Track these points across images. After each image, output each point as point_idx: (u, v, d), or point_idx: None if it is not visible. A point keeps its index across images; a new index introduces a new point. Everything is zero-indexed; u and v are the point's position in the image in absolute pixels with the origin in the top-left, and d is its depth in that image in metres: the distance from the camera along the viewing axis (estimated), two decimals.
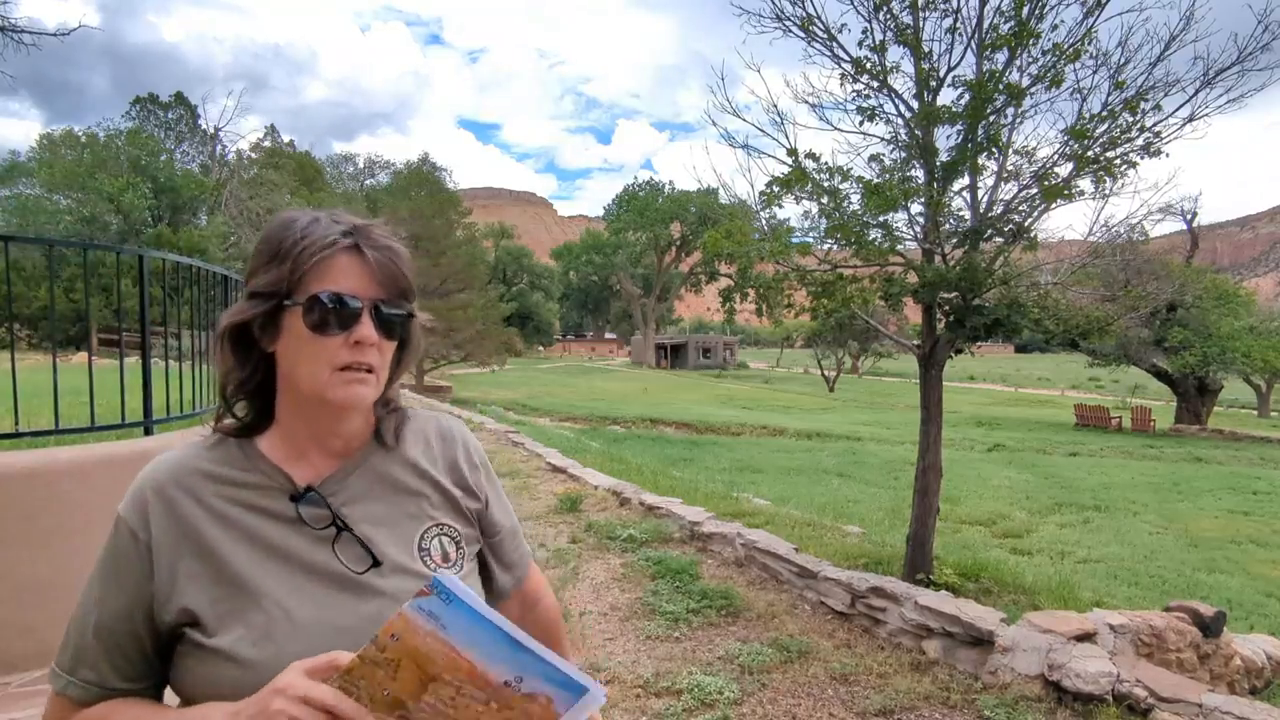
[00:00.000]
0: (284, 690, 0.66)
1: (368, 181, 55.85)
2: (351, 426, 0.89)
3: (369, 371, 0.83)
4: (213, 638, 0.77)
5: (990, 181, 4.44)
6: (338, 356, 0.81)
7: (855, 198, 4.52)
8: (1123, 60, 3.98)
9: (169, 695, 0.84)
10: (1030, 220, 4.36)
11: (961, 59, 4.26)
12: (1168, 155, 4.03)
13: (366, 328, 0.81)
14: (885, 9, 4.24)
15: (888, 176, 4.50)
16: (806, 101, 4.65)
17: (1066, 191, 4.13)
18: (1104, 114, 4.02)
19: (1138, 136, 4.01)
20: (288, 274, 0.80)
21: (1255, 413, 32.98)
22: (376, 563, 0.84)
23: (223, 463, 0.85)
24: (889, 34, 4.30)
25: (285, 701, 0.65)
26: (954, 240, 4.47)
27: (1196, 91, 3.90)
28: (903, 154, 4.53)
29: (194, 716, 0.76)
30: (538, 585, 1.12)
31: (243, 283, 0.86)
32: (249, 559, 0.80)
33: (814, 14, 4.35)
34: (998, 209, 4.38)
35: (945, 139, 4.40)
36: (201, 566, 0.79)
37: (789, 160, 4.54)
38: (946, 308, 4.57)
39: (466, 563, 0.93)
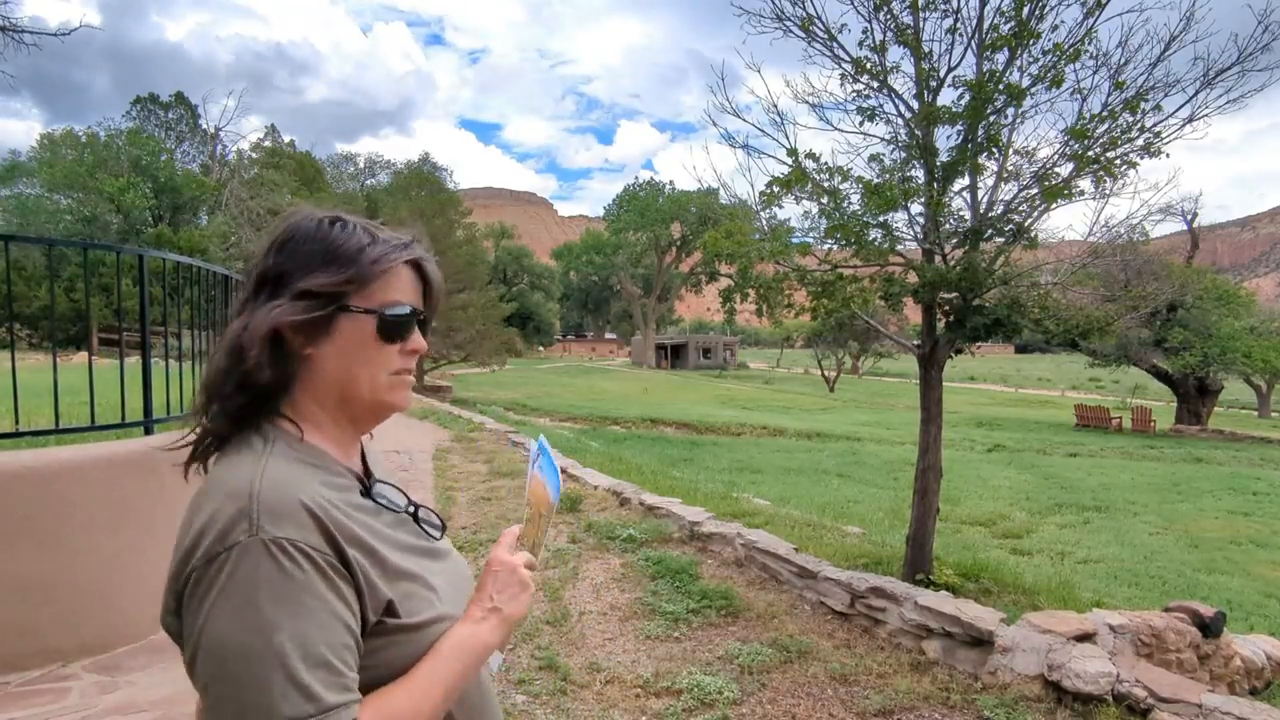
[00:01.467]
0: (514, 565, 0.91)
1: (368, 181, 55.81)
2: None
3: (410, 374, 0.92)
4: (415, 615, 0.83)
5: (990, 182, 4.44)
6: (393, 362, 0.88)
7: (855, 198, 4.52)
8: (1123, 60, 3.98)
9: None
10: (1030, 220, 4.35)
11: (962, 59, 4.26)
12: (1168, 155, 4.02)
13: (420, 339, 0.90)
14: (885, 9, 4.24)
15: (888, 176, 4.49)
16: (806, 102, 4.65)
17: (1067, 192, 4.13)
18: (1104, 114, 4.01)
19: (1138, 137, 4.01)
20: (353, 278, 0.84)
21: (1255, 413, 32.97)
22: (443, 525, 0.97)
23: (317, 466, 0.83)
24: (889, 34, 4.30)
25: (522, 572, 0.91)
26: (954, 240, 4.47)
27: (1197, 92, 3.90)
28: (903, 154, 4.52)
29: (455, 638, 0.85)
30: None
31: (277, 278, 0.84)
32: (384, 546, 0.84)
33: (814, 14, 4.35)
34: (998, 209, 4.38)
35: (945, 139, 4.40)
36: (370, 561, 0.81)
37: (789, 160, 4.54)
38: (947, 308, 4.57)
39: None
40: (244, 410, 0.83)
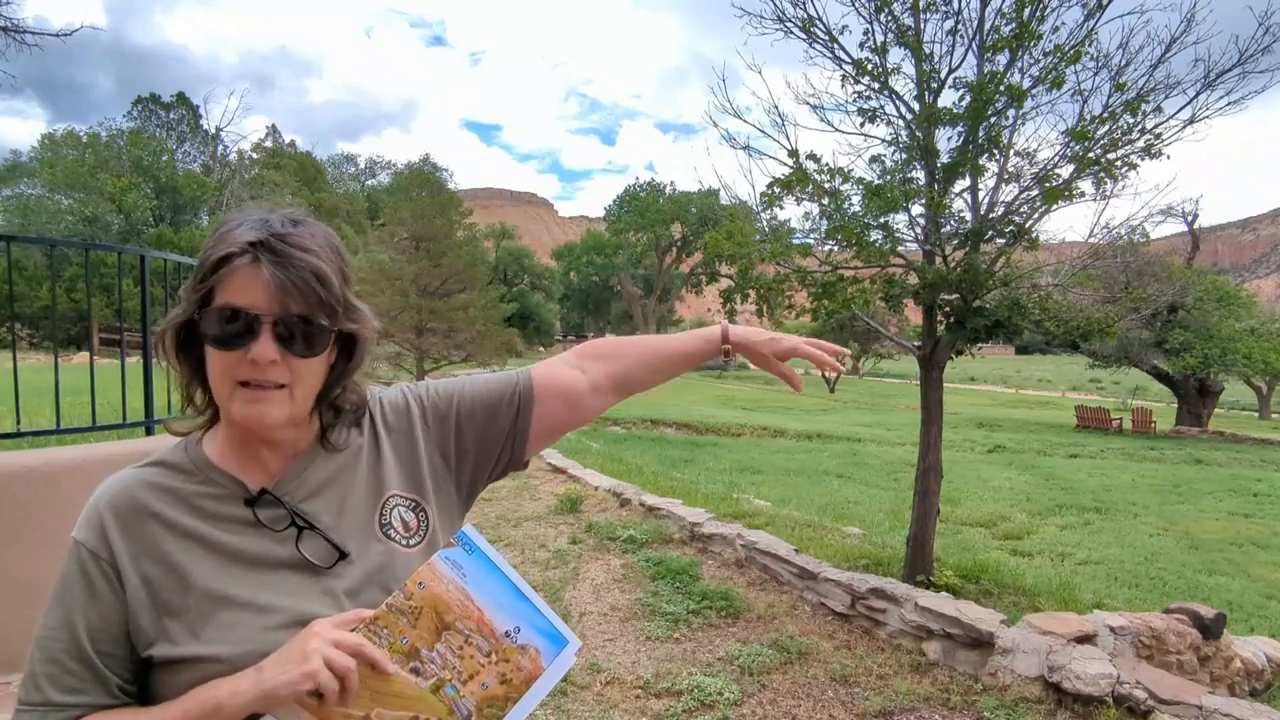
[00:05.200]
0: (318, 634, 0.72)
1: (368, 182, 55.88)
2: (283, 435, 0.86)
3: (279, 388, 0.79)
4: (189, 645, 0.77)
5: (991, 183, 4.44)
6: (237, 372, 0.78)
7: (856, 199, 4.52)
8: (1124, 62, 3.99)
9: None
10: (1031, 222, 4.36)
11: (963, 61, 4.26)
12: (1168, 157, 4.03)
13: (263, 346, 0.76)
14: (886, 10, 4.25)
15: (889, 178, 4.49)
16: (807, 103, 4.65)
17: (1067, 193, 4.13)
18: (1105, 116, 4.02)
19: (1138, 138, 4.01)
20: (201, 282, 0.78)
21: (1256, 414, 32.94)
22: (343, 555, 0.84)
23: (173, 476, 0.84)
24: (890, 35, 4.31)
25: (320, 642, 0.71)
26: (955, 241, 4.47)
27: (1197, 93, 3.91)
28: (904, 155, 4.53)
29: (209, 690, 0.74)
30: (558, 363, 1.07)
31: None
32: (213, 568, 0.80)
33: (815, 15, 4.35)
34: (998, 210, 4.38)
35: (946, 140, 4.41)
36: (167, 579, 0.79)
37: (790, 161, 4.54)
38: (947, 309, 4.57)
39: (430, 526, 0.92)
40: (195, 392, 0.87)
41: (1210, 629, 3.79)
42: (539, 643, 0.78)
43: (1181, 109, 3.94)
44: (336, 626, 0.74)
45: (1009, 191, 4.40)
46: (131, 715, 0.78)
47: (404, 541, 0.89)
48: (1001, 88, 4.09)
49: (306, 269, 0.78)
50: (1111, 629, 3.41)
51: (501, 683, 0.76)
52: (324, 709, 0.70)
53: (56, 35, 10.38)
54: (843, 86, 4.46)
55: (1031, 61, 4.16)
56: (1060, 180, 4.16)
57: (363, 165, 59.98)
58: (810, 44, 4.43)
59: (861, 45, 4.33)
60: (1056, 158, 4.20)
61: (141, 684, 0.81)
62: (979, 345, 4.62)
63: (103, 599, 0.78)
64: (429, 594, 0.75)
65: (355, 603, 0.82)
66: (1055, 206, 4.25)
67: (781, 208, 4.88)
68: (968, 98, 4.18)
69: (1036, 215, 4.34)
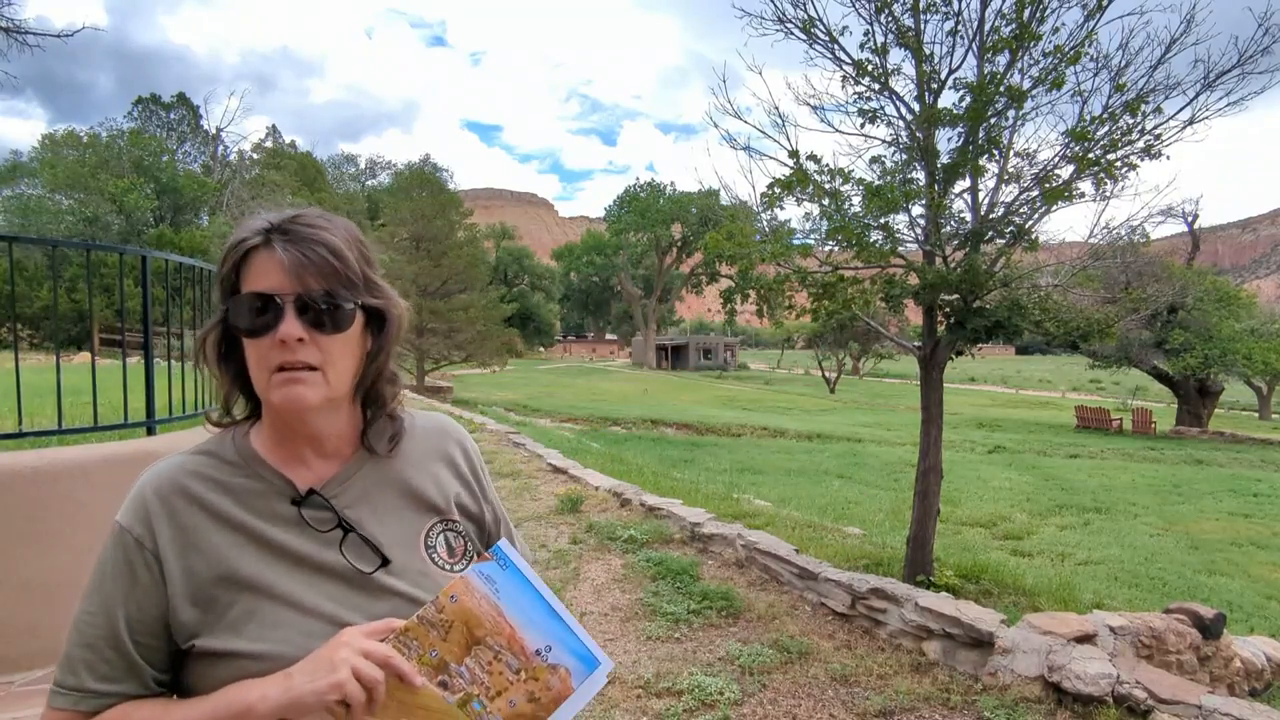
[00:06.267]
0: (347, 643, 0.72)
1: (369, 182, 55.92)
2: (325, 427, 0.86)
3: (310, 369, 0.79)
4: (229, 640, 0.77)
5: (991, 183, 4.45)
6: (270, 358, 0.78)
7: (856, 199, 4.53)
8: (1123, 63, 4.00)
9: None
10: (1031, 222, 4.37)
11: (963, 61, 4.27)
12: (1168, 158, 4.04)
13: (288, 325, 0.77)
14: (887, 11, 4.26)
15: (889, 178, 4.50)
16: (808, 103, 4.66)
17: (1067, 194, 4.14)
18: (1104, 116, 4.03)
19: (1138, 139, 4.02)
20: (221, 277, 0.82)
21: (1256, 415, 32.94)
22: (385, 561, 0.84)
23: (220, 467, 0.84)
24: (890, 36, 4.32)
25: (349, 652, 0.71)
26: (955, 242, 4.48)
27: (1197, 94, 3.91)
28: (904, 156, 4.54)
29: (239, 691, 0.74)
30: None
31: None
32: (258, 561, 0.80)
33: (815, 16, 4.36)
34: (999, 211, 4.39)
35: (946, 141, 4.42)
36: (211, 572, 0.79)
37: (790, 162, 4.55)
38: (947, 309, 4.58)
39: (471, 559, 0.92)
40: (235, 401, 0.88)
41: (1210, 629, 3.79)
42: (570, 662, 0.77)
43: (1181, 110, 3.95)
44: (367, 636, 0.74)
45: (1009, 192, 4.41)
46: (162, 707, 0.77)
47: (446, 566, 0.89)
48: (1001, 88, 4.10)
49: (319, 244, 0.80)
50: (1111, 629, 3.41)
51: (530, 701, 0.75)
52: (350, 718, 0.71)
53: (58, 36, 10.40)
54: (843, 87, 4.48)
55: (1031, 62, 4.16)
56: (1060, 181, 4.16)
57: (363, 165, 60.05)
58: (811, 45, 4.44)
59: (862, 46, 4.34)
60: (1056, 158, 4.21)
61: (175, 673, 0.81)
62: (979, 346, 4.63)
63: (143, 589, 0.78)
64: (460, 607, 0.75)
65: (365, 616, 0.81)
66: (1055, 207, 4.26)
67: (782, 208, 4.89)
68: (968, 98, 4.19)
69: (1036, 216, 4.35)
